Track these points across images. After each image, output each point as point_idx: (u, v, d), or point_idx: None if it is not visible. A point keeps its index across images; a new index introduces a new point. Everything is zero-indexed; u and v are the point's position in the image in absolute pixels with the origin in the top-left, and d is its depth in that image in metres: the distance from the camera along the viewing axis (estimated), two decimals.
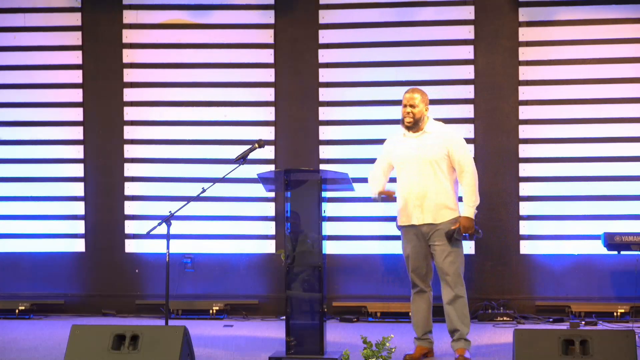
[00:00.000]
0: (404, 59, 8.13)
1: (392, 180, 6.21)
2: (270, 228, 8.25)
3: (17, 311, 8.11)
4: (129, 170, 8.36)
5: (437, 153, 5.93)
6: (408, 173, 5.96)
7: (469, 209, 5.97)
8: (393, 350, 5.50)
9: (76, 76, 8.39)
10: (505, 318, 7.72)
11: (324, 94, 8.22)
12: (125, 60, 8.35)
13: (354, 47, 8.18)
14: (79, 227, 8.40)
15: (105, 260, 8.37)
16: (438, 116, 7.83)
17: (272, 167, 8.03)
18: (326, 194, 6.04)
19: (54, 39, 8.42)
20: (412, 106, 5.97)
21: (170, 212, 6.01)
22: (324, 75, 8.21)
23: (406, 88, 6.14)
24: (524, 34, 8.00)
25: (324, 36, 8.21)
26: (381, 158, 6.22)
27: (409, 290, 6.15)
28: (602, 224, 7.81)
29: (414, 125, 5.96)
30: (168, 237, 6.01)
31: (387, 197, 6.11)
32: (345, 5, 8.20)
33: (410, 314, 6.16)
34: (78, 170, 8.40)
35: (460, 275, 5.93)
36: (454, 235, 5.92)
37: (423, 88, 7.91)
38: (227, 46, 8.31)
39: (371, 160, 7.99)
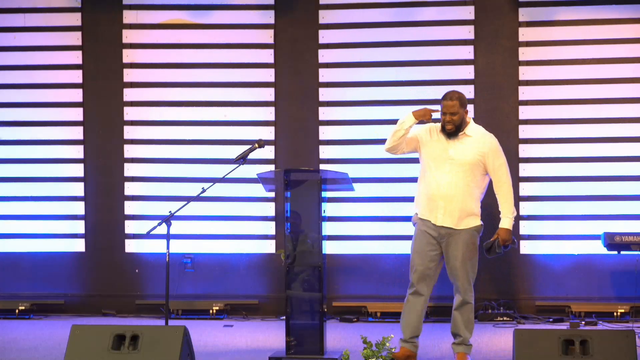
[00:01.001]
0: (404, 59, 8.13)
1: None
2: (270, 228, 8.25)
3: (17, 311, 8.11)
4: (129, 170, 8.36)
5: (473, 158, 5.79)
6: (439, 172, 5.79)
7: (508, 220, 5.86)
8: (393, 350, 5.50)
9: (76, 76, 8.39)
10: (505, 318, 7.72)
11: (324, 94, 8.22)
12: (125, 60, 8.35)
13: (354, 47, 8.18)
14: (79, 227, 8.40)
15: (105, 260, 8.37)
16: (438, 116, 7.84)
17: (272, 167, 8.03)
18: (326, 194, 6.03)
19: (54, 39, 8.42)
20: (452, 114, 5.78)
21: (170, 212, 6.01)
22: (324, 75, 8.21)
23: (445, 90, 5.93)
24: (524, 34, 8.00)
25: (324, 36, 8.21)
26: (413, 131, 5.93)
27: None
28: (602, 224, 7.80)
29: (456, 132, 5.82)
30: (168, 237, 6.01)
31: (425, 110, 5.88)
32: (345, 5, 8.20)
33: (402, 313, 5.89)
34: (78, 170, 8.40)
35: (472, 282, 5.85)
36: (493, 247, 5.85)
37: (423, 88, 8.00)
38: (227, 46, 8.31)
39: (371, 160, 8.06)
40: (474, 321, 5.92)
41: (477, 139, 5.86)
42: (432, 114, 5.88)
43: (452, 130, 5.81)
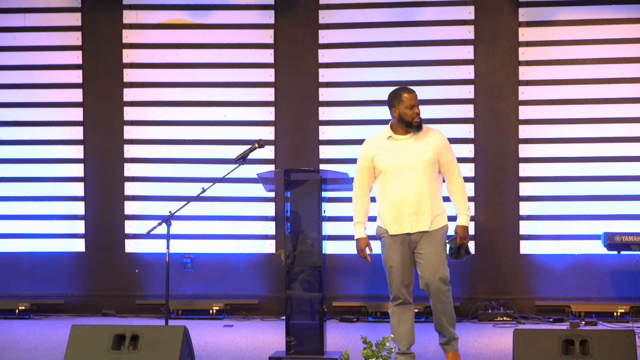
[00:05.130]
0: (404, 59, 8.13)
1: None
2: (270, 228, 8.25)
3: (17, 311, 8.11)
4: (129, 170, 8.36)
5: (429, 156, 5.57)
6: (401, 178, 5.57)
7: (465, 217, 5.68)
8: (393, 350, 5.49)
9: (76, 76, 8.40)
10: (505, 318, 7.73)
11: (324, 94, 8.22)
12: (125, 60, 8.35)
13: (354, 47, 8.18)
14: (79, 227, 8.40)
15: (105, 260, 8.37)
16: (438, 116, 7.87)
17: (272, 167, 8.03)
18: (326, 194, 6.03)
19: (54, 39, 8.42)
20: (417, 106, 5.58)
21: (170, 212, 6.01)
22: (324, 75, 8.21)
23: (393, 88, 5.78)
24: (524, 34, 8.00)
25: (324, 36, 8.21)
26: (363, 169, 5.71)
27: None
28: (602, 224, 7.81)
29: (421, 125, 5.61)
30: (168, 237, 6.01)
31: (363, 251, 5.74)
32: (345, 5, 8.21)
33: (392, 326, 5.74)
34: (78, 170, 8.40)
35: (448, 283, 5.63)
36: (453, 247, 5.68)
37: (423, 88, 8.00)
38: (227, 46, 8.31)
39: None
40: (454, 315, 5.71)
41: (427, 136, 5.64)
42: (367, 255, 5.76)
43: (419, 123, 5.58)
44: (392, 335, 5.55)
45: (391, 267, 5.67)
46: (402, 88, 5.70)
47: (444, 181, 5.78)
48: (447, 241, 5.74)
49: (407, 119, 5.60)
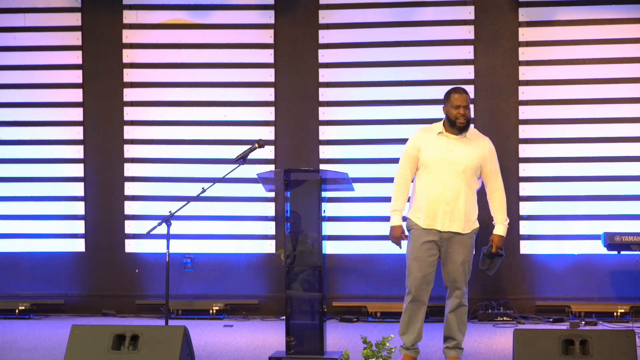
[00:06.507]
0: (404, 59, 8.13)
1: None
2: (270, 228, 8.25)
3: (17, 311, 8.11)
4: (129, 170, 8.36)
5: (474, 161, 5.63)
6: (442, 175, 5.60)
7: (503, 227, 5.75)
8: (393, 350, 5.50)
9: (76, 76, 8.40)
10: (505, 318, 7.73)
11: (324, 94, 8.22)
12: (125, 60, 8.35)
13: (354, 47, 8.18)
14: (79, 227, 8.40)
15: (105, 260, 8.37)
16: (438, 116, 7.84)
17: (272, 167, 8.03)
18: (326, 194, 6.02)
19: (54, 39, 8.42)
20: (465, 107, 5.61)
21: (170, 212, 6.01)
22: (324, 75, 8.21)
23: (450, 87, 5.78)
24: (524, 34, 8.01)
25: (324, 36, 8.21)
26: (408, 157, 5.73)
27: None
28: (602, 224, 7.81)
29: (466, 127, 5.65)
30: (168, 237, 6.01)
31: (397, 238, 5.77)
32: (345, 5, 8.21)
33: (402, 321, 5.76)
34: (78, 170, 8.40)
35: (467, 285, 5.75)
36: (487, 253, 5.74)
37: (423, 88, 8.01)
38: (227, 46, 8.32)
39: (371, 160, 8.06)
40: (466, 320, 5.80)
41: (477, 141, 5.72)
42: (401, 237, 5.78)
43: (464, 124, 5.62)
44: (392, 336, 5.56)
45: (413, 261, 5.70)
46: (454, 88, 5.76)
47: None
48: (482, 250, 5.79)
49: (451, 118, 5.67)
